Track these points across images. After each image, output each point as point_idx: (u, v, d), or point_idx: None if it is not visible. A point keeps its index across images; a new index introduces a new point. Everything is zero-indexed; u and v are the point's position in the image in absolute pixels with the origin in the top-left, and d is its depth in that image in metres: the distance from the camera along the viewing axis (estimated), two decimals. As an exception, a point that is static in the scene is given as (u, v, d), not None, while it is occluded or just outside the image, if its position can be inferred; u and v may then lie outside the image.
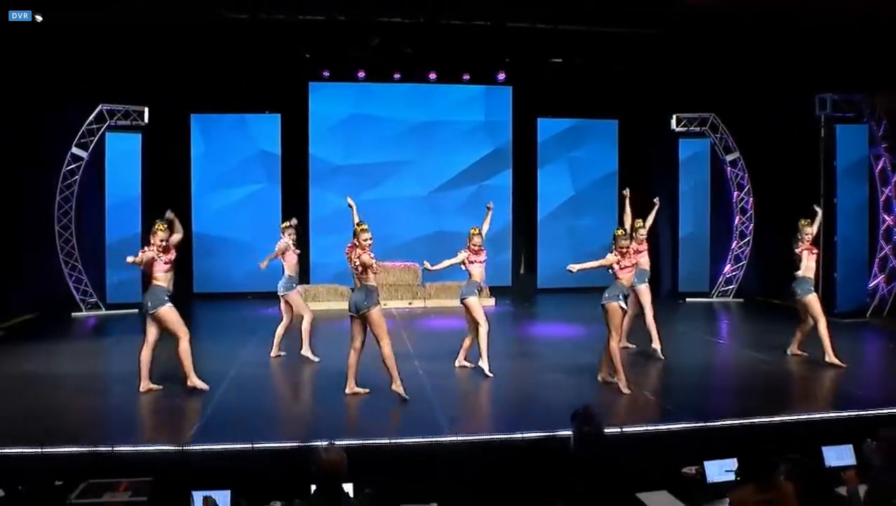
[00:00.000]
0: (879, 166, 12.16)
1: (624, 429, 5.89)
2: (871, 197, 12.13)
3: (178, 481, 3.75)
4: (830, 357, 8.30)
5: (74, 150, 12.35)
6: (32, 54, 11.23)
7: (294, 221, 9.39)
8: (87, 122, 12.38)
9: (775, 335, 9.67)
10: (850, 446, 5.19)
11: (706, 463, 4.83)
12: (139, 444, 5.57)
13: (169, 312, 7.16)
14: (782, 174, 13.15)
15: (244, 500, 4.41)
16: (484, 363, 8.04)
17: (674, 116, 13.99)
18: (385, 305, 12.73)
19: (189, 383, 7.22)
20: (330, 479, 3.66)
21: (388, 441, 5.63)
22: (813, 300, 8.51)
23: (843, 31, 10.91)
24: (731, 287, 14.28)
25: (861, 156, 11.92)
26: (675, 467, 5.15)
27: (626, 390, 7.21)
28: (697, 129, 14.13)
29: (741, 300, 14.01)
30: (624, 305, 7.37)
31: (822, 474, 5.00)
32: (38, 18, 10.68)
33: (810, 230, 8.77)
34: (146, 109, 12.66)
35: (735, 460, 4.67)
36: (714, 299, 14.16)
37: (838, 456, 5.13)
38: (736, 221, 14.29)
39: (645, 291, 9.04)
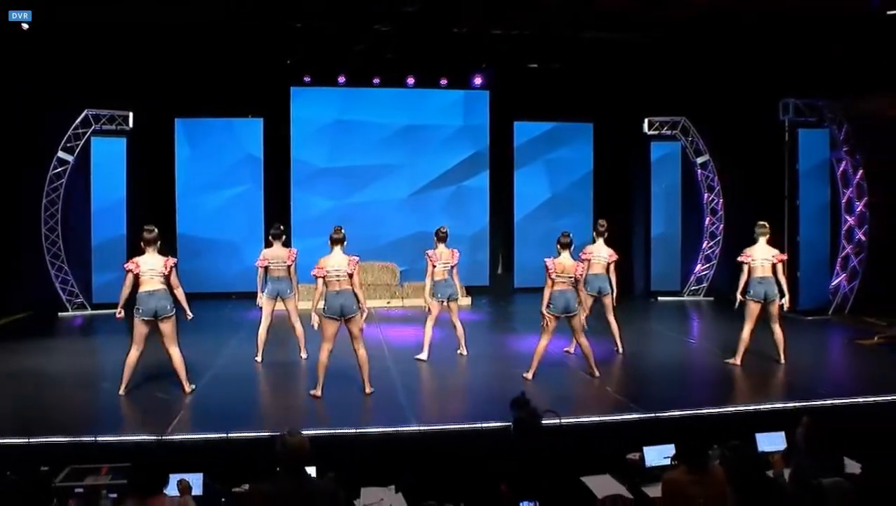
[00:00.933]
0: (841, 169, 12.61)
1: (581, 419, 6.30)
2: (834, 199, 12.60)
3: (155, 465, 4.11)
4: (735, 359, 8.62)
5: (60, 154, 12.65)
6: (19, 60, 11.53)
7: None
8: (73, 126, 12.68)
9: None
10: (783, 433, 5.60)
11: (646, 449, 5.23)
12: (121, 434, 5.94)
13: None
14: (750, 176, 13.59)
15: (217, 484, 4.78)
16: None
17: (646, 120, 14.44)
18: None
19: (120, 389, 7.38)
20: (293, 460, 4.03)
21: (353, 431, 6.02)
22: (749, 303, 8.64)
23: (807, 38, 11.38)
24: (701, 286, 14.72)
25: (822, 159, 12.38)
26: (621, 453, 5.53)
27: (527, 376, 7.93)
28: (669, 132, 14.56)
29: (711, 299, 14.43)
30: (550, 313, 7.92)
31: (754, 458, 5.38)
32: (25, 26, 11.03)
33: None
34: (131, 114, 12.96)
35: (672, 446, 5.07)
36: (685, 298, 14.60)
37: (770, 442, 5.54)
38: (706, 222, 14.73)
39: (586, 297, 8.91)
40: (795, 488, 4.83)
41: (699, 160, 14.61)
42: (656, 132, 14.52)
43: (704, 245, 14.76)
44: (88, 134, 12.80)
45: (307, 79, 14.35)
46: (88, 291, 12.95)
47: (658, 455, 5.15)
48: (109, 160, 12.88)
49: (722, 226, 14.59)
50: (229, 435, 5.88)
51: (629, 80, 14.15)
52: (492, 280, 15.35)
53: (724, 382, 8.14)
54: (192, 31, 11.79)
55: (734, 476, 5.11)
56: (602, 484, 5.10)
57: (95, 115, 12.80)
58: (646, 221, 14.76)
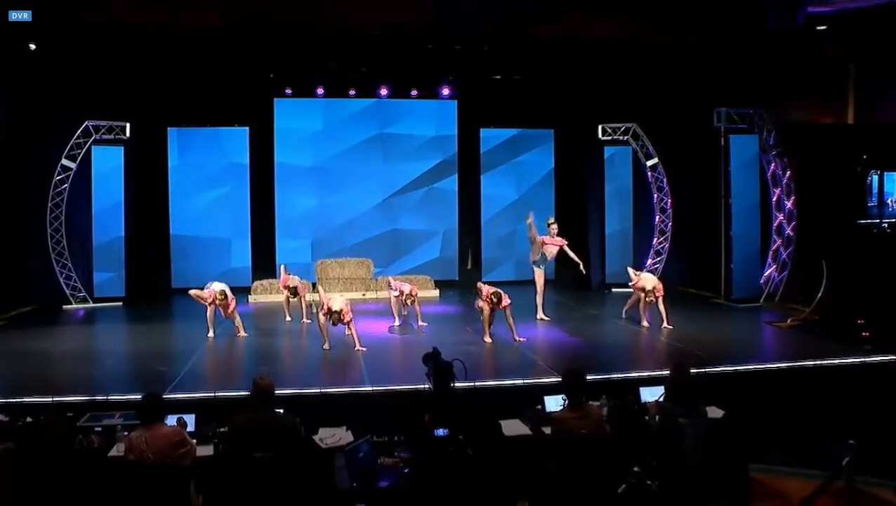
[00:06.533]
0: (770, 170, 13.97)
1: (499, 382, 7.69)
2: (763, 197, 13.95)
3: (156, 401, 5.39)
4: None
5: (64, 161, 13.88)
6: (27, 77, 12.82)
7: None
8: (75, 136, 13.92)
9: (679, 318, 11.51)
10: (662, 387, 6.92)
11: (546, 398, 6.56)
12: (127, 394, 7.27)
13: None
14: (692, 178, 14.97)
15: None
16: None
17: (600, 126, 15.76)
18: (341, 295, 14.46)
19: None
20: (262, 397, 5.34)
21: (318, 390, 7.37)
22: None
23: (738, 53, 12.80)
24: (652, 278, 16.04)
25: (752, 162, 13.74)
26: (533, 404, 6.86)
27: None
28: (621, 137, 15.89)
29: (661, 290, 15.74)
30: None
31: (635, 407, 6.73)
32: (32, 47, 12.34)
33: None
34: (128, 125, 14.23)
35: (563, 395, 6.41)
36: (638, 290, 15.91)
37: (651, 394, 6.85)
38: (656, 220, 16.01)
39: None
40: (661, 426, 6.15)
41: (649, 163, 15.90)
42: (609, 137, 15.84)
43: (655, 241, 16.05)
44: (89, 143, 14.06)
45: (289, 91, 15.67)
46: (90, 286, 14.21)
47: (555, 403, 6.47)
48: (108, 167, 14.16)
49: (671, 223, 15.87)
50: (216, 394, 7.20)
51: (585, 89, 15.48)
52: (460, 275, 16.65)
53: (639, 353, 9.55)
54: (183, 47, 12.99)
55: (617, 420, 6.50)
56: (512, 425, 6.43)
57: (95, 126, 14.06)
58: (601, 219, 16.04)
